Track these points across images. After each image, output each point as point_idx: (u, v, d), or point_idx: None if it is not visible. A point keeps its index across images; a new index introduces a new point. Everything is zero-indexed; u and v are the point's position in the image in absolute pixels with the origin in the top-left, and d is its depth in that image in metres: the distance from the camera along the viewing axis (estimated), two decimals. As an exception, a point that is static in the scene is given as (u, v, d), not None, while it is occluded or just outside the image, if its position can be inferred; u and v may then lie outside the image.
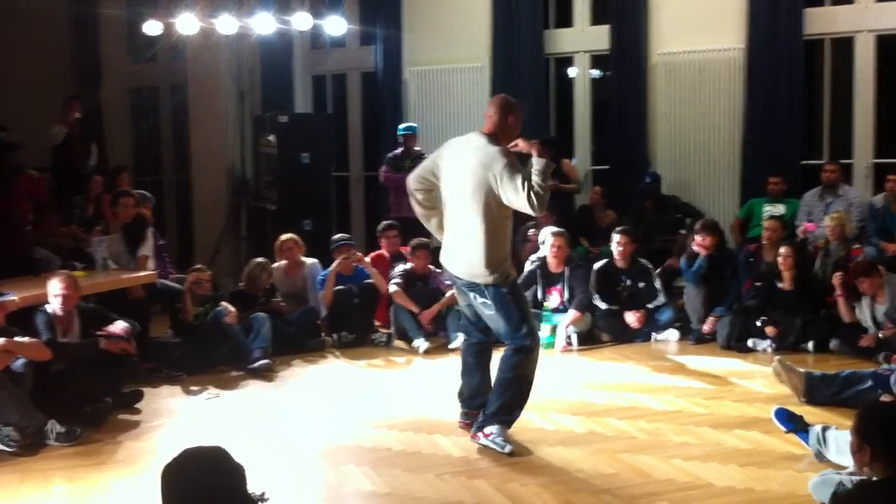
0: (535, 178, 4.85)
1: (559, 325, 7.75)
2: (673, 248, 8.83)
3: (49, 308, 5.98)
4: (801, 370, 5.88)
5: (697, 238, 7.92)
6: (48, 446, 5.34)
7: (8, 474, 4.95)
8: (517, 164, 4.96)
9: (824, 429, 4.78)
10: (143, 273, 7.33)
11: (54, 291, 5.95)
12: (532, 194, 4.82)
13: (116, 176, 9.75)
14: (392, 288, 8.10)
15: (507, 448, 5.06)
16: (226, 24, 9.58)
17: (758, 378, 6.57)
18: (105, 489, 4.72)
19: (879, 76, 9.30)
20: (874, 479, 3.68)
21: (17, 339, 5.42)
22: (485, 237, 5.02)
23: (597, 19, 10.24)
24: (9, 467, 5.06)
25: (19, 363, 5.40)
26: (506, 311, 5.09)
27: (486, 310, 5.15)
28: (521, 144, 5.03)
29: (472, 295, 5.20)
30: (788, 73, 9.28)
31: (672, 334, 7.94)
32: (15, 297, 5.89)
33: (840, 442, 4.62)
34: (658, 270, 8.28)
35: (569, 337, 7.75)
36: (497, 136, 5.09)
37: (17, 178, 7.54)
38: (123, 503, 4.55)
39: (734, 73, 9.58)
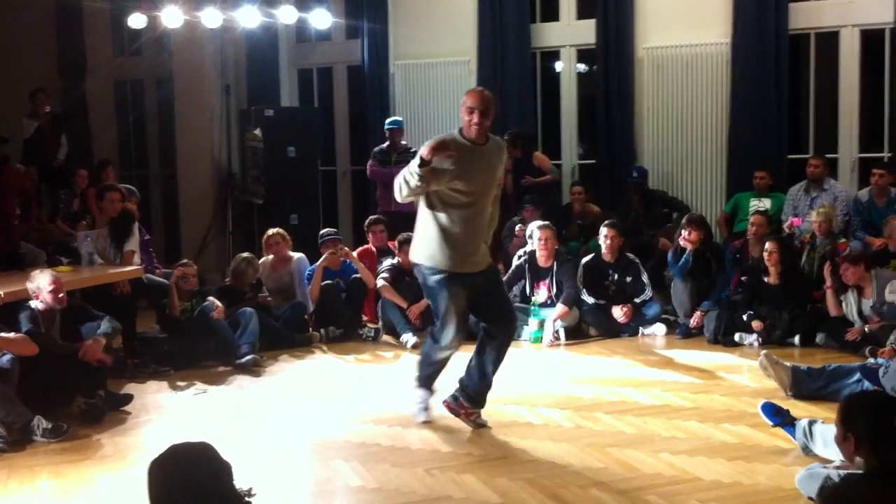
0: (405, 169, 4.96)
1: (547, 319, 7.77)
2: (659, 237, 8.86)
3: (35, 304, 5.93)
4: (788, 364, 5.91)
5: (683, 233, 7.95)
6: (35, 442, 5.31)
7: (-6, 470, 4.93)
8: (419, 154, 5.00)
9: (811, 423, 4.79)
10: (129, 268, 7.28)
11: (45, 286, 5.91)
12: (395, 181, 5.00)
13: (102, 170, 9.72)
14: (380, 283, 8.10)
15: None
16: (211, 17, 9.55)
17: (744, 372, 6.60)
18: (92, 485, 4.70)
19: (864, 71, 9.35)
20: (860, 471, 3.71)
21: (3, 334, 5.39)
22: (420, 223, 5.21)
23: (583, 13, 10.25)
24: (-5, 463, 5.04)
25: (5, 359, 5.38)
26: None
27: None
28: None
29: None
30: (774, 68, 9.31)
31: (659, 328, 7.97)
32: (28, 286, 5.86)
33: (826, 436, 4.63)
34: (650, 263, 8.35)
35: (556, 331, 7.76)
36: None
37: (4, 171, 7.48)
38: (110, 499, 4.53)
39: (720, 67, 9.62)
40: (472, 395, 5.44)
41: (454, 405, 5.47)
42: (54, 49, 11.88)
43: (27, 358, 5.48)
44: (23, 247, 7.76)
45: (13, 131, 9.38)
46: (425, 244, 5.16)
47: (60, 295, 5.96)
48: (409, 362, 7.29)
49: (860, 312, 7.09)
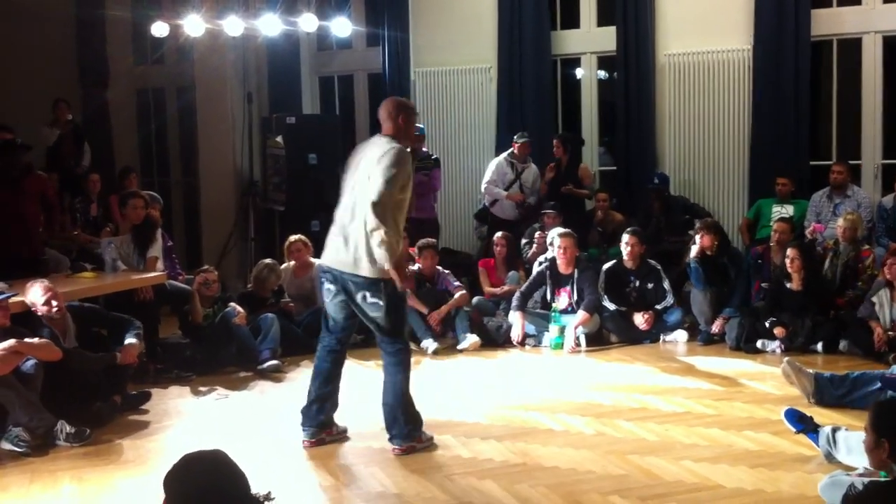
0: (380, 234, 4.94)
1: (568, 326, 7.75)
2: (683, 251, 8.82)
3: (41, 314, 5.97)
4: (811, 371, 5.88)
5: (696, 238, 7.95)
6: (58, 447, 5.37)
7: (18, 475, 4.97)
8: (399, 166, 5.01)
9: (834, 430, 4.77)
10: (152, 274, 7.33)
11: (39, 300, 5.84)
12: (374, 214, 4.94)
13: (125, 177, 9.78)
14: (400, 289, 8.08)
15: (430, 436, 5.28)
16: (232, 25, 9.59)
17: (767, 379, 6.55)
18: (114, 489, 4.74)
19: (887, 77, 9.28)
20: (885, 479, 3.67)
21: (27, 340, 5.44)
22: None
23: (603, 20, 10.24)
24: (18, 468, 5.08)
25: (29, 364, 5.42)
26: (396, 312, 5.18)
27: (375, 310, 5.14)
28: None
29: (361, 293, 5.13)
30: (795, 74, 9.26)
31: (681, 335, 7.94)
32: (24, 299, 5.89)
33: (850, 443, 4.61)
34: (674, 273, 8.32)
35: (577, 338, 7.75)
36: (397, 138, 5.19)
37: (27, 178, 7.55)
38: (132, 503, 4.56)
39: (741, 74, 9.57)
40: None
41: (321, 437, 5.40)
42: (76, 58, 11.99)
43: (50, 363, 5.52)
44: (46, 253, 7.82)
45: (35, 140, 9.46)
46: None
47: (54, 304, 5.86)
48: (430, 368, 7.32)
49: (891, 316, 7.02)
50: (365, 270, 5.05)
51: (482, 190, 9.75)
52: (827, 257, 8.01)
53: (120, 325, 6.25)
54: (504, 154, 9.65)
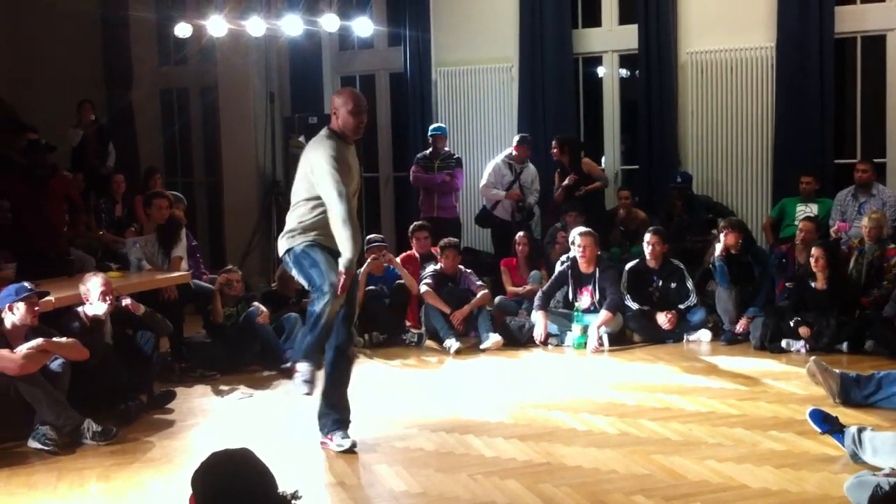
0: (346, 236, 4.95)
1: (590, 325, 7.74)
2: (705, 250, 8.79)
3: (81, 309, 6.06)
4: (836, 371, 5.83)
5: (721, 236, 7.92)
6: (84, 445, 5.39)
7: (45, 473, 5.00)
8: (333, 158, 4.98)
9: (860, 430, 4.73)
10: (177, 273, 7.38)
11: (95, 288, 6.02)
12: (338, 207, 4.93)
13: (149, 177, 9.86)
14: (423, 288, 8.12)
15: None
16: (255, 25, 9.65)
17: (792, 379, 6.51)
18: (140, 488, 4.76)
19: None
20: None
21: (55, 339, 5.49)
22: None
23: (625, 19, 10.22)
24: (46, 466, 5.12)
25: (56, 363, 5.47)
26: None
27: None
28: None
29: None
30: (819, 72, 9.21)
31: (704, 335, 7.90)
32: (51, 298, 5.95)
33: (876, 443, 4.58)
34: (698, 272, 8.30)
35: (600, 337, 7.73)
36: (339, 131, 5.16)
37: (52, 178, 7.61)
38: (159, 502, 4.59)
39: (764, 71, 9.53)
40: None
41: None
42: (101, 59, 12.09)
43: (77, 362, 5.58)
44: (72, 253, 7.88)
45: (61, 140, 9.55)
46: (306, 228, 5.22)
47: (108, 298, 6.06)
48: (452, 367, 7.34)
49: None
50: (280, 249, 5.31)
51: (481, 192, 9.73)
52: (852, 256, 7.96)
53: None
54: (501, 155, 9.61)
